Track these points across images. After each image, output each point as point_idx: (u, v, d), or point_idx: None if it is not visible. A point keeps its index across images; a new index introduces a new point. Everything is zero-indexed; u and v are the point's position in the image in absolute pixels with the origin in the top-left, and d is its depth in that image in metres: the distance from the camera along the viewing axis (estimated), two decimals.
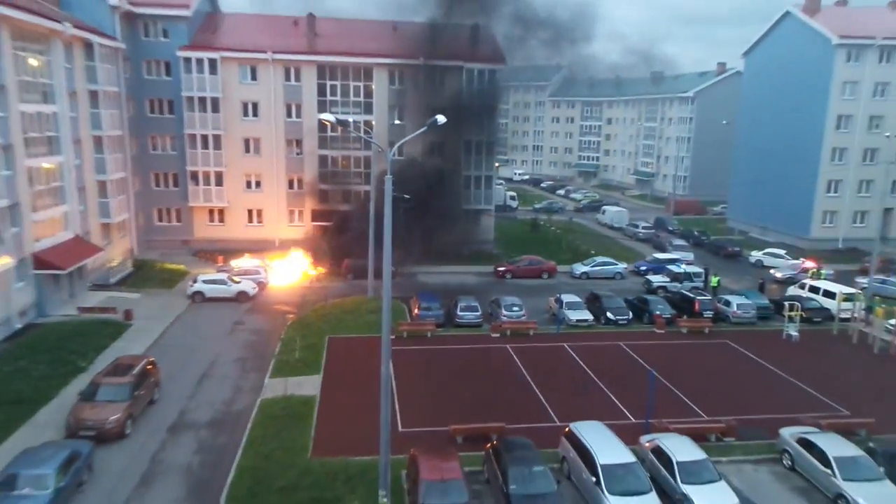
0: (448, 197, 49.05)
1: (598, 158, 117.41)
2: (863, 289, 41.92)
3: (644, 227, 66.76)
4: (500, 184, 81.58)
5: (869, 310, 37.61)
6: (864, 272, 47.36)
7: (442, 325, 35.76)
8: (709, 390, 28.46)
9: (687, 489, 19.33)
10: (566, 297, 38.35)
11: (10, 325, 32.01)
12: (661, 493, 19.47)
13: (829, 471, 20.41)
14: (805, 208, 59.60)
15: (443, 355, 31.80)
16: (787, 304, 37.03)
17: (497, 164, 61.22)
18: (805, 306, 37.98)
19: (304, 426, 23.98)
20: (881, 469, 20.50)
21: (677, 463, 20.08)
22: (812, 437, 21.84)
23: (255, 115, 51.83)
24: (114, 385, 23.75)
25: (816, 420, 24.52)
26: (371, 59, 51.68)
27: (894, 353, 33.90)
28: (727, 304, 38.92)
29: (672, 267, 48.56)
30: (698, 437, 22.80)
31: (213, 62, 49.88)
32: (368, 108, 52.39)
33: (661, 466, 20.64)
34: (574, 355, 32.33)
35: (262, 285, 42.19)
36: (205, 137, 50.86)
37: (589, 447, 20.24)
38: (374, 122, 51.93)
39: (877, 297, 41.54)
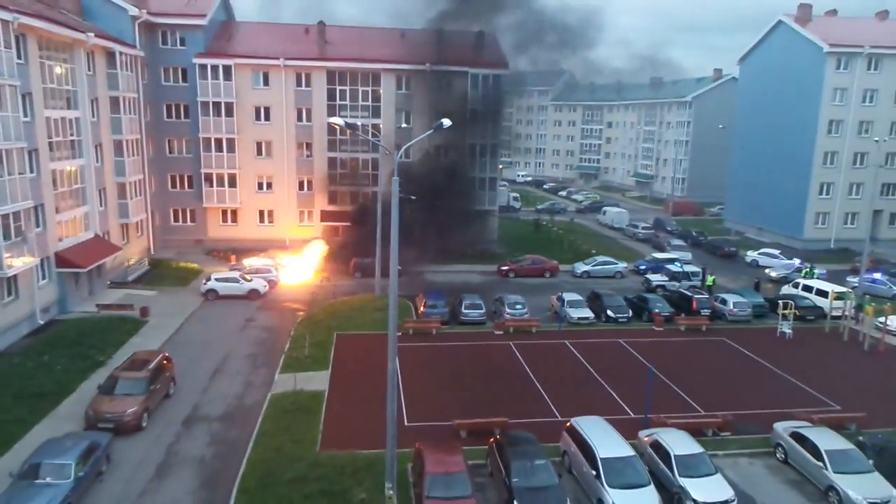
0: (454, 198, 49.67)
1: (598, 161, 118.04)
2: (853, 288, 42.61)
3: (643, 228, 67.36)
4: (504, 185, 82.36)
5: (859, 308, 38.11)
6: (855, 271, 48.16)
7: (447, 322, 36.16)
8: (706, 386, 28.80)
9: (684, 482, 19.60)
10: (568, 296, 38.71)
11: (34, 321, 32.83)
12: (660, 486, 19.76)
13: (820, 464, 20.79)
14: (798, 210, 60.51)
15: (447, 352, 32.13)
16: (781, 302, 37.47)
17: (501, 167, 61.82)
18: (798, 305, 38.41)
19: (313, 420, 24.32)
20: (870, 462, 20.91)
21: (675, 456, 20.34)
22: (805, 432, 22.21)
23: (267, 119, 52.84)
24: (131, 379, 24.12)
25: (809, 415, 24.94)
26: (379, 64, 52.57)
27: (883, 350, 34.38)
28: (724, 302, 39.31)
29: (671, 266, 48.96)
30: (695, 432, 23.11)
31: (227, 68, 50.96)
32: (376, 112, 53.21)
33: (659, 460, 20.91)
34: (575, 352, 32.70)
35: (272, 283, 42.87)
36: (219, 141, 51.96)
37: (589, 441, 20.46)
38: (381, 126, 52.66)
39: (867, 296, 42.10)
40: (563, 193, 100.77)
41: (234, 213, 53.92)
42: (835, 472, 20.40)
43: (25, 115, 31.76)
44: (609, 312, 37.90)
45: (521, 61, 57.25)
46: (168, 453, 22.15)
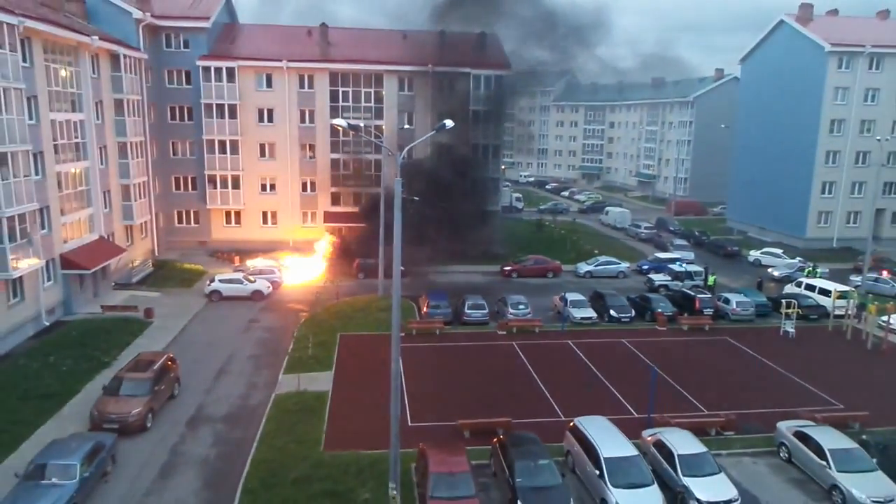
0: (457, 198, 49.73)
1: (601, 161, 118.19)
2: (856, 286, 42.56)
3: (646, 228, 67.39)
4: (507, 186, 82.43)
5: (862, 307, 38.07)
6: (858, 270, 48.10)
7: (450, 322, 36.19)
8: (709, 385, 28.83)
9: (688, 481, 19.59)
10: (571, 296, 38.77)
11: (40, 323, 32.99)
12: (663, 485, 19.75)
13: (824, 462, 20.78)
14: (801, 209, 60.45)
15: (451, 352, 32.23)
16: (784, 301, 37.49)
17: (503, 167, 61.85)
18: (801, 304, 38.40)
19: (317, 420, 24.39)
20: (874, 460, 20.88)
21: (678, 456, 20.33)
22: (808, 431, 22.19)
23: (270, 120, 53.03)
24: (136, 380, 24.20)
25: (812, 414, 24.94)
26: (381, 66, 52.69)
27: (886, 349, 34.34)
28: (726, 301, 39.31)
29: (673, 266, 48.93)
30: (699, 431, 23.20)
31: (230, 71, 51.13)
32: (379, 113, 53.34)
33: (662, 459, 20.91)
34: (578, 352, 32.77)
35: (276, 284, 43.02)
36: (222, 142, 52.16)
37: (593, 441, 20.48)
38: (384, 127, 52.87)
39: (870, 295, 42.09)
40: (566, 193, 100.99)
41: (237, 214, 54.11)
42: (838, 471, 20.38)
43: (31, 118, 31.96)
44: (612, 312, 37.97)
45: (529, 61, 57.16)
46: (172, 454, 22.25)
